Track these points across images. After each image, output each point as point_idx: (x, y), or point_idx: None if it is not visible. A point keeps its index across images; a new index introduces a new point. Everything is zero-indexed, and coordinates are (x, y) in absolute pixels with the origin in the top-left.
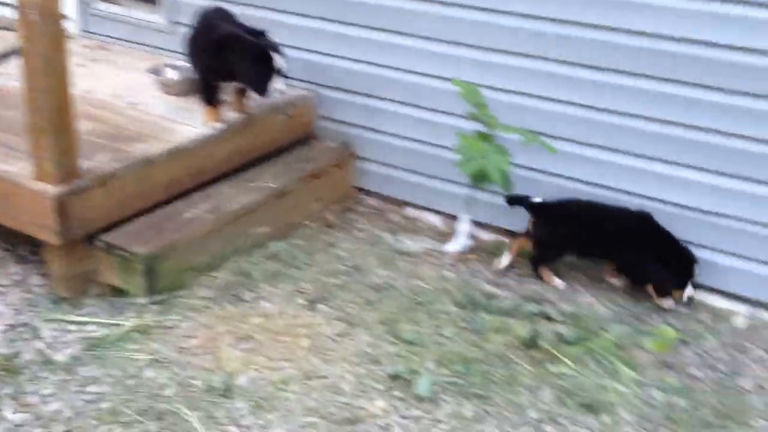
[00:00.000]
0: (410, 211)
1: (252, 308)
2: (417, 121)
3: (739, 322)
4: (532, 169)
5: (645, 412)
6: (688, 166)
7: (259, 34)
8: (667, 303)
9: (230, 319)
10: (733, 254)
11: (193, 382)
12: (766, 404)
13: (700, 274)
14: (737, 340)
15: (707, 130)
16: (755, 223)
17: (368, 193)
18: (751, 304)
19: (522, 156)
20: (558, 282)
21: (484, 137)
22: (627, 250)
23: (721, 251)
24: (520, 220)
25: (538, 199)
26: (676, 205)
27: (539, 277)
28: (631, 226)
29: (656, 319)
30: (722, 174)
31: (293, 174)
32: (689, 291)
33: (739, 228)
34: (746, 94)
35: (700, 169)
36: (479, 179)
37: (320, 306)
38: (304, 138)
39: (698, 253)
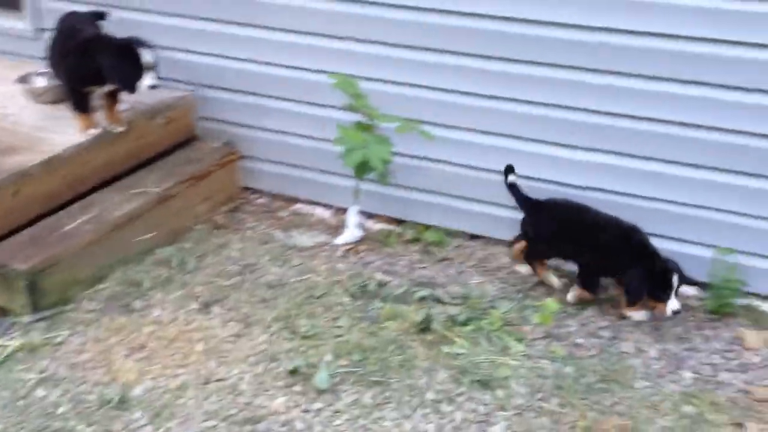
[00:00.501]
0: (300, 207)
1: (143, 317)
2: (299, 116)
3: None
4: (416, 156)
5: (536, 383)
6: (572, 146)
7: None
8: (638, 315)
9: (121, 330)
10: None
11: (87, 397)
12: (646, 365)
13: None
14: (616, 307)
15: (593, 112)
16: (617, 193)
17: (256, 191)
18: None
19: (406, 145)
20: (556, 282)
21: (363, 128)
22: (601, 257)
23: None
24: (406, 207)
25: (533, 198)
26: (556, 183)
27: (537, 275)
28: (611, 234)
29: (541, 293)
30: (596, 150)
31: (176, 177)
32: (673, 304)
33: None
34: (626, 74)
35: (585, 148)
36: (362, 170)
37: (214, 308)
38: (187, 140)
39: None
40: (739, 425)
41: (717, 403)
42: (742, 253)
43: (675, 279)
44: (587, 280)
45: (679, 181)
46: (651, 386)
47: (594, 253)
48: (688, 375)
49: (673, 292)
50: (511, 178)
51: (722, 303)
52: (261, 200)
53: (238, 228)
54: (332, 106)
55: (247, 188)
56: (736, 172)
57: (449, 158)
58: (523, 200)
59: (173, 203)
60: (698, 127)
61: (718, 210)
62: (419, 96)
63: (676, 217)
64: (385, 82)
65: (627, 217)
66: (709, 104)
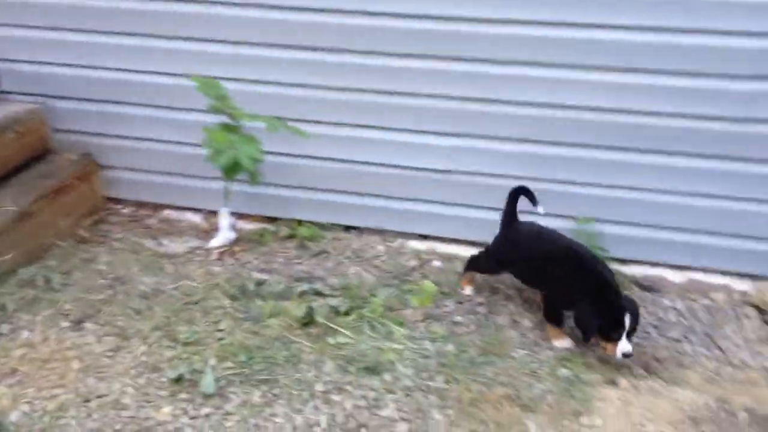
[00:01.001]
0: (168, 213)
1: (12, 340)
2: (159, 122)
3: None
4: (283, 154)
5: (421, 364)
6: (428, 132)
7: None
8: (562, 343)
9: None
10: (461, 205)
11: None
12: (521, 335)
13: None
14: (488, 284)
15: (453, 98)
16: (460, 172)
17: (121, 201)
18: None
19: (272, 143)
20: (468, 290)
21: (230, 129)
22: (557, 287)
23: (452, 204)
24: (278, 205)
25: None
26: (413, 168)
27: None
28: (565, 263)
29: (417, 277)
30: (458, 135)
31: (34, 193)
32: (624, 347)
33: (456, 180)
34: (462, 59)
35: (448, 134)
36: (232, 170)
37: (87, 324)
38: (41, 154)
39: (435, 208)
40: (613, 382)
41: (590, 364)
42: (601, 221)
43: (627, 319)
44: (549, 312)
45: (539, 158)
46: (528, 354)
47: (551, 283)
48: (564, 342)
49: (625, 333)
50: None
51: None
52: (126, 210)
53: (104, 240)
54: (193, 110)
55: (110, 199)
56: (592, 146)
57: (317, 153)
58: (508, 216)
59: (33, 220)
60: (553, 106)
61: (576, 183)
62: (282, 93)
63: (538, 192)
64: (247, 81)
65: (490, 194)
66: (565, 84)
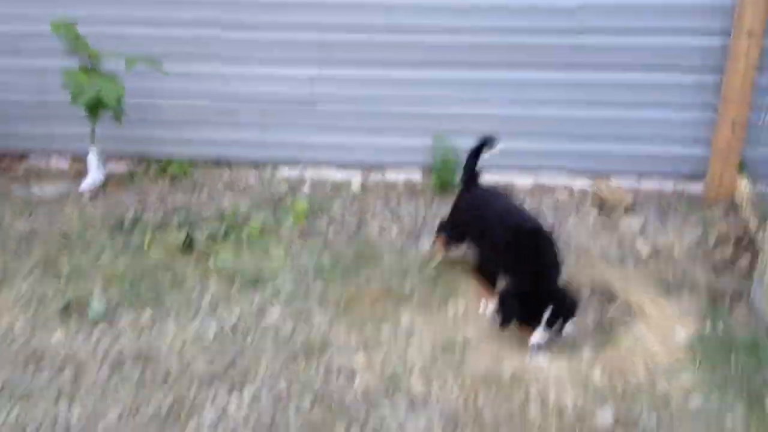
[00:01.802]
0: (35, 162)
1: None
2: (21, 69)
3: (356, 186)
4: (147, 94)
5: (301, 274)
6: (291, 63)
7: None
8: (535, 338)
9: None
10: (326, 131)
11: None
12: (389, 243)
13: None
14: (357, 201)
15: (308, 28)
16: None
17: None
18: (363, 169)
19: (135, 84)
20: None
21: (88, 71)
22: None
23: (322, 129)
24: (147, 144)
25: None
26: (278, 99)
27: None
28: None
29: (289, 201)
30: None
31: None
32: (536, 337)
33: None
34: None
35: (300, 63)
36: (95, 109)
37: None
38: None
39: (302, 135)
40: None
41: (454, 261)
42: (455, 133)
43: (548, 311)
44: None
45: (390, 81)
46: (397, 256)
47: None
48: (425, 242)
49: (542, 324)
50: (486, 151)
51: (444, 180)
52: None
53: None
54: (50, 55)
55: None
56: (443, 66)
57: (180, 91)
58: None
59: None
60: (399, 31)
61: (431, 101)
62: (141, 33)
63: (393, 113)
64: (103, 23)
65: (352, 119)
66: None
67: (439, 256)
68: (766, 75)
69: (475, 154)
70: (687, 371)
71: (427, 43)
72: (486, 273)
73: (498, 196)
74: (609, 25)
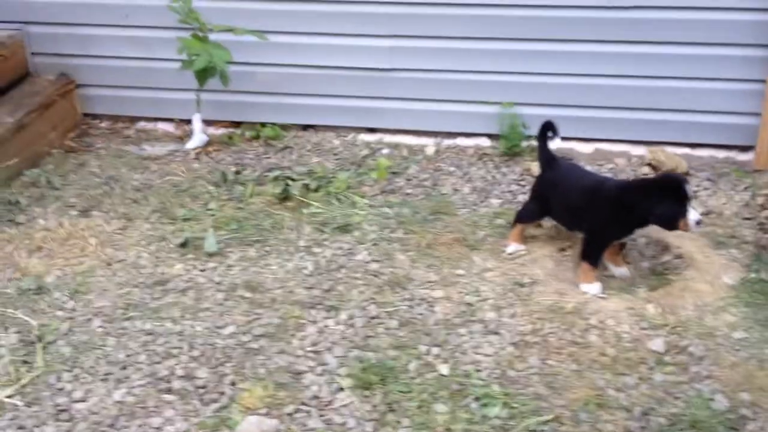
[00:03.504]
0: (143, 125)
1: (31, 227)
2: (132, 41)
3: (430, 151)
4: (247, 63)
5: (383, 223)
6: (369, 35)
7: None
8: (589, 288)
9: (13, 239)
10: (402, 99)
11: (5, 290)
12: (462, 199)
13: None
14: (431, 163)
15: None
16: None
17: (98, 116)
18: (436, 135)
19: (237, 53)
20: (512, 248)
21: (200, 39)
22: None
23: (398, 98)
24: (243, 110)
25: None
26: (359, 68)
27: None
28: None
29: (370, 163)
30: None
31: (25, 108)
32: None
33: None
34: None
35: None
36: (205, 75)
37: (93, 212)
38: (21, 77)
39: (380, 103)
40: (540, 225)
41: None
42: (521, 104)
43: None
44: (585, 252)
45: (466, 52)
46: (469, 212)
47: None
48: (495, 201)
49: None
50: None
51: (511, 146)
52: (104, 124)
53: (90, 149)
54: (162, 27)
55: (87, 115)
56: (510, 39)
57: (276, 60)
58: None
59: (28, 131)
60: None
61: (499, 72)
62: (244, 8)
63: (464, 83)
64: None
65: (427, 88)
66: None
67: (513, 245)
68: None
69: (542, 138)
70: (732, 309)
71: (496, 16)
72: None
73: (577, 170)
74: (665, 3)
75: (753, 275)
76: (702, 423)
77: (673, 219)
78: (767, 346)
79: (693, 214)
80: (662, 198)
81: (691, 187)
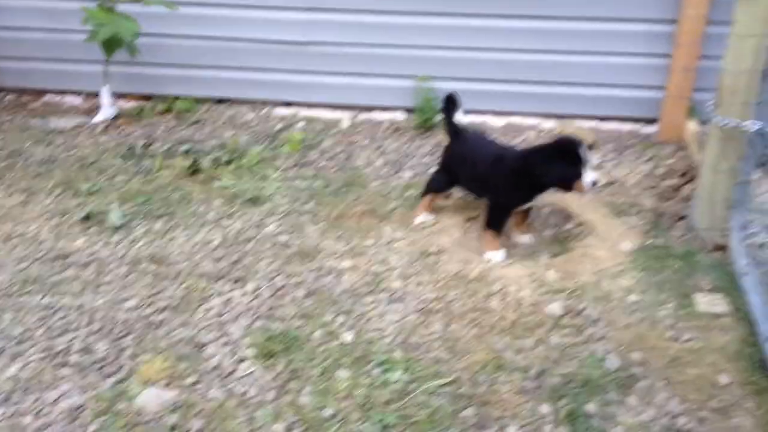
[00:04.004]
0: (50, 98)
1: None
2: (38, 11)
3: (345, 124)
4: (158, 35)
5: (295, 195)
6: (286, 8)
7: None
8: (494, 255)
9: None
10: (318, 72)
11: None
12: (374, 171)
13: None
14: (346, 137)
15: None
16: (315, 43)
17: (3, 90)
18: (350, 110)
19: (148, 24)
20: (421, 217)
21: (106, 9)
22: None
23: (314, 72)
24: (154, 83)
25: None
26: (274, 41)
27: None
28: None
29: (284, 137)
30: (313, 9)
31: None
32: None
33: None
34: None
35: (303, 8)
36: (112, 45)
37: None
38: None
39: (296, 77)
40: (447, 197)
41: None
42: (436, 78)
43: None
44: (488, 220)
45: (380, 26)
46: (381, 184)
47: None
48: (407, 173)
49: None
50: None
51: (425, 119)
52: (9, 97)
53: None
54: None
55: None
56: (424, 14)
57: (187, 32)
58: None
59: None
60: None
61: (414, 46)
62: None
63: (379, 57)
64: None
65: (342, 62)
66: None
67: (422, 215)
68: (715, 25)
69: (447, 110)
70: (628, 274)
71: None
72: (502, 211)
73: (483, 140)
74: None
75: (650, 242)
76: (594, 382)
77: (568, 180)
78: (660, 308)
79: (588, 176)
80: (558, 160)
81: (585, 149)
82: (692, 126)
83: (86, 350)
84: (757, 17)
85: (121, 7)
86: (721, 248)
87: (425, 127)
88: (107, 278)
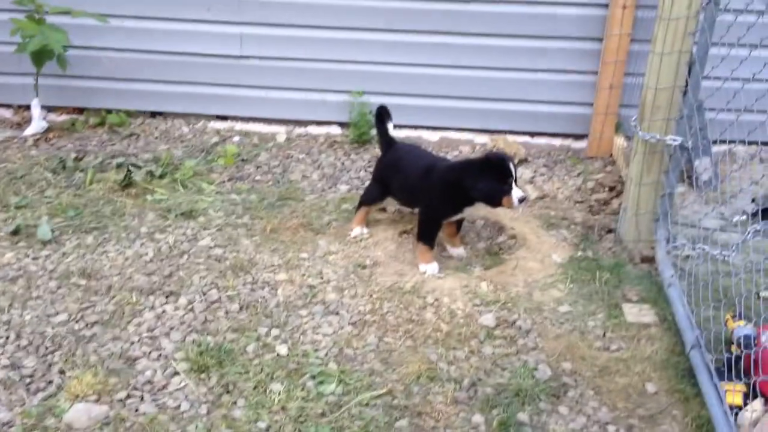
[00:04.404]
0: None
1: None
2: None
3: (281, 138)
4: (91, 47)
5: (230, 209)
6: (222, 22)
7: None
8: (428, 267)
9: None
10: (254, 86)
11: None
12: (310, 185)
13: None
14: (282, 150)
15: None
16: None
17: None
18: (286, 124)
19: (80, 38)
20: (357, 231)
21: (36, 21)
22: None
23: (250, 86)
24: (87, 96)
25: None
26: (210, 55)
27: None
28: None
29: (219, 150)
30: (266, 24)
31: None
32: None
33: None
34: None
35: (251, 23)
36: (41, 57)
37: None
38: None
39: (231, 91)
40: (384, 210)
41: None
42: (371, 93)
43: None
44: (421, 232)
45: (318, 41)
46: (317, 197)
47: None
48: (343, 187)
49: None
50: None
51: (360, 134)
52: None
53: None
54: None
55: None
56: (362, 29)
57: (120, 45)
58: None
59: None
60: None
61: (349, 62)
62: None
63: (315, 72)
64: None
65: (279, 76)
66: None
67: (357, 228)
68: (638, 43)
69: (379, 122)
70: (559, 286)
71: (346, 6)
72: (432, 223)
73: (415, 151)
74: None
75: (580, 254)
76: (525, 391)
77: (496, 196)
78: (589, 319)
79: (516, 192)
80: (485, 176)
81: (514, 166)
82: (620, 141)
83: (13, 366)
84: (676, 35)
85: (51, 19)
86: (649, 260)
87: (360, 142)
88: (36, 293)
